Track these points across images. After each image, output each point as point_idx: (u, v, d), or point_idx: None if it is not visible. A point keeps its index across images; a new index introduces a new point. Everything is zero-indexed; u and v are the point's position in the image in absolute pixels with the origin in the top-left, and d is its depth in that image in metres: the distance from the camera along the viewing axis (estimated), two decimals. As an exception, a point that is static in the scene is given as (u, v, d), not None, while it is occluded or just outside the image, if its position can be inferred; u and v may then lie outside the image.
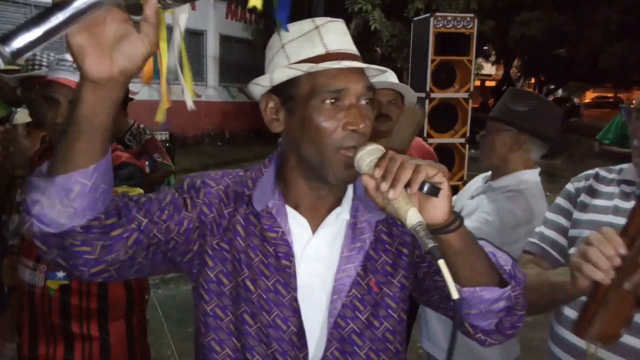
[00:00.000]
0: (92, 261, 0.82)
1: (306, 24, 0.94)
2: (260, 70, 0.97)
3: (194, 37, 11.06)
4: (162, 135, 7.55)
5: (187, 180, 0.99)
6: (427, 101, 4.94)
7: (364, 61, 0.93)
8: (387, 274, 0.97)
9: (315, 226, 0.97)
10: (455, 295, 0.75)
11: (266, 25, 11.76)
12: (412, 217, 0.77)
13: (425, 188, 0.78)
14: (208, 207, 0.96)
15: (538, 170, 1.83)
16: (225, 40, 11.77)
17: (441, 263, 0.75)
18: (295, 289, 0.93)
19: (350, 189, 1.01)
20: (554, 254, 1.35)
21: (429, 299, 1.02)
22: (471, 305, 0.89)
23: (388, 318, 0.97)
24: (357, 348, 0.94)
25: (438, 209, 0.80)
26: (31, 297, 1.53)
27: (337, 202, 0.99)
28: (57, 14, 0.61)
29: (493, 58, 20.22)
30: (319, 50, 0.91)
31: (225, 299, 0.95)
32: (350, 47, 0.94)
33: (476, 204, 1.81)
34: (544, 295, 1.20)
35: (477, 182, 1.98)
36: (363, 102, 0.91)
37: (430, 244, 0.75)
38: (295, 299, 0.93)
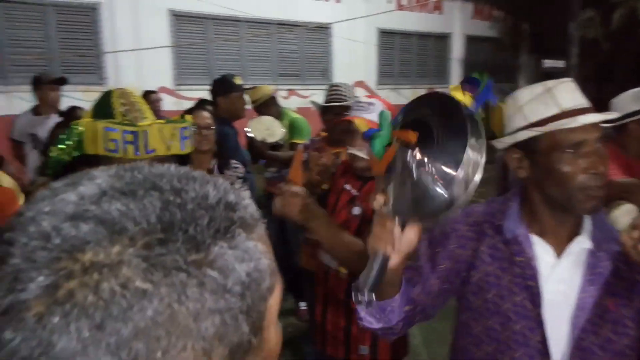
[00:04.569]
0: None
1: (537, 88, 1.11)
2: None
3: (439, 41, 11.34)
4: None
5: (438, 230, 1.23)
6: None
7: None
8: (625, 297, 1.09)
9: (558, 251, 1.13)
10: None
11: (514, 22, 11.34)
12: None
13: None
14: (462, 248, 1.19)
15: None
16: (470, 41, 11.76)
17: None
18: (539, 305, 1.10)
19: (588, 219, 1.14)
20: None
21: None
22: None
23: (626, 335, 1.09)
24: (597, 358, 1.08)
25: None
26: (326, 276, 1.96)
27: (576, 230, 1.13)
28: (376, 264, 0.98)
29: None
30: (553, 110, 1.06)
31: (474, 313, 1.18)
32: (581, 101, 1.07)
33: None
34: None
35: None
36: (598, 145, 1.05)
37: None
38: (540, 314, 1.10)
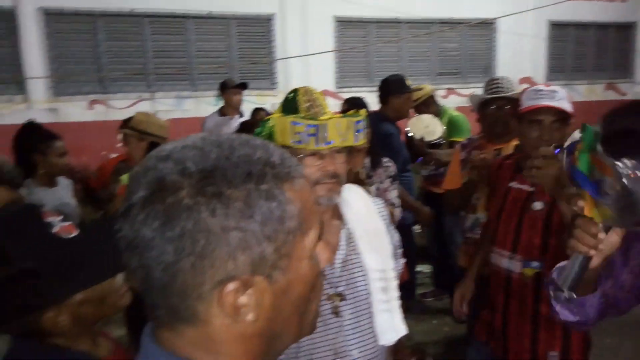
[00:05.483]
0: None
1: None
2: None
3: (621, 31, 10.16)
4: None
5: None
6: None
7: None
8: None
9: None
10: None
11: None
12: None
13: None
14: None
15: None
16: (660, 29, 10.35)
17: None
18: None
19: None
20: None
21: None
22: None
23: None
24: None
25: None
26: (508, 281, 1.86)
27: None
28: (576, 264, 1.06)
29: None
30: None
31: None
32: None
33: None
34: None
35: None
36: None
37: None
38: None
